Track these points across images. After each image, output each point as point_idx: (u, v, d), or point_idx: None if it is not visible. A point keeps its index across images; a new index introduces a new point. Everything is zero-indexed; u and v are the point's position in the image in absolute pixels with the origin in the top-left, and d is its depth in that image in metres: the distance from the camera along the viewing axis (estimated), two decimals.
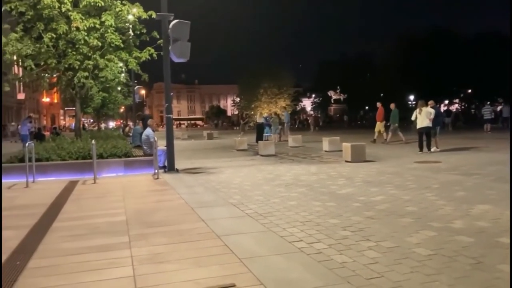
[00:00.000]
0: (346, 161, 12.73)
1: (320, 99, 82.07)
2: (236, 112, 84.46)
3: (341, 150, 14.02)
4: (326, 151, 16.74)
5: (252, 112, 53.69)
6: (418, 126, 14.87)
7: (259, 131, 23.70)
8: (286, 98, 54.89)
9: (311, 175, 10.29)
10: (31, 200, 7.88)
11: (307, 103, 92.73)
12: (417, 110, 15.10)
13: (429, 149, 14.79)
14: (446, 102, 61.83)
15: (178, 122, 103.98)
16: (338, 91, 67.06)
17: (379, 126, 20.12)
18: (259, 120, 25.40)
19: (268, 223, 5.63)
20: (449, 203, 6.53)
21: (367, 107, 73.87)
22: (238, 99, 75.81)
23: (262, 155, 15.83)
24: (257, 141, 20.41)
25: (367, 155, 13.11)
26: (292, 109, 48.31)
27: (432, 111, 14.95)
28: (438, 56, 52.65)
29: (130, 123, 35.79)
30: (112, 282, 3.63)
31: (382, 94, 62.92)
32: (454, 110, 53.28)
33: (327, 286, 3.45)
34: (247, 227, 5.37)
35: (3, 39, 12.67)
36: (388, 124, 20.08)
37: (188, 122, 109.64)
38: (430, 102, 15.57)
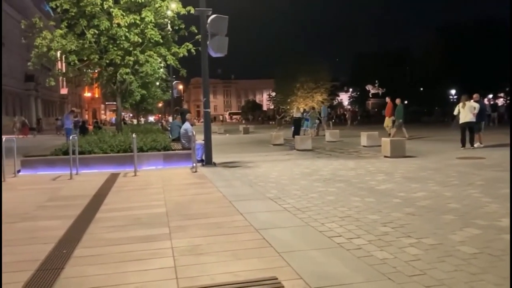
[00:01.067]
0: (385, 156, 12.50)
1: (358, 93, 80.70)
2: (272, 107, 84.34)
3: (379, 145, 13.77)
4: (364, 146, 16.49)
5: (288, 107, 53.54)
6: (461, 120, 14.39)
7: (296, 125, 23.57)
8: (323, 93, 54.29)
9: (349, 170, 10.16)
10: (75, 191, 8.15)
11: (344, 98, 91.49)
12: (460, 104, 14.61)
13: (472, 144, 14.30)
14: (490, 96, 59.48)
15: (230, 115, 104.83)
16: (376, 85, 65.72)
17: (387, 121, 20.30)
18: (296, 114, 25.25)
19: (306, 217, 5.60)
20: (494, 201, 6.30)
21: (406, 102, 72.13)
22: (274, 94, 75.68)
23: (298, 150, 15.76)
24: (293, 136, 20.31)
25: (407, 151, 12.81)
26: (329, 104, 47.67)
27: (477, 105, 14.42)
28: (481, 48, 50.64)
29: (169, 118, 36.42)
30: (154, 272, 3.71)
31: (421, 88, 61.32)
32: (500, 104, 51.15)
33: (368, 282, 3.41)
34: (285, 221, 5.36)
35: (49, 36, 13.14)
36: (394, 119, 19.98)
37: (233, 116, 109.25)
38: (475, 96, 15.01)
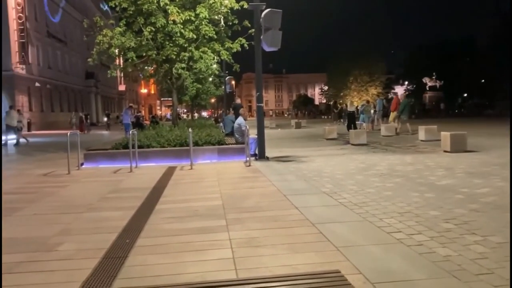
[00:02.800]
0: (445, 151, 12.01)
1: (414, 86, 78.01)
2: (324, 101, 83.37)
3: (438, 140, 13.25)
4: (422, 140, 15.92)
5: (341, 101, 52.72)
6: None
7: (350, 119, 23.18)
8: (377, 86, 53.13)
9: (407, 165, 9.86)
10: (135, 183, 8.46)
11: (399, 91, 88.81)
12: None
13: None
14: None
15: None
16: (433, 77, 63.20)
17: (392, 116, 20.66)
18: (350, 108, 24.84)
19: (364, 213, 5.50)
20: None
21: (465, 94, 68.88)
22: (326, 88, 74.78)
23: (353, 144, 15.48)
24: (348, 130, 19.99)
25: (468, 145, 12.25)
26: (384, 97, 46.45)
27: None
28: None
29: (221, 111, 36.90)
30: (213, 263, 3.78)
31: (483, 80, 58.23)
32: None
33: (431, 279, 3.29)
34: (342, 216, 5.29)
35: (109, 34, 13.69)
36: (398, 114, 20.27)
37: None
38: None
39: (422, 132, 16.32)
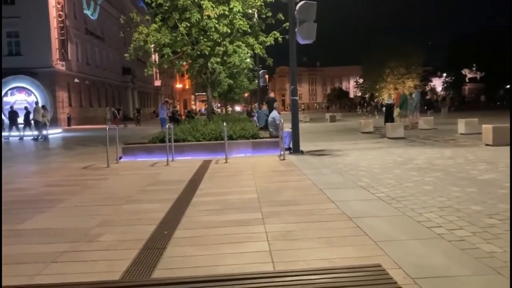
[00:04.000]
0: (487, 145, 11.62)
1: (453, 78, 75.67)
2: (359, 94, 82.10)
3: (479, 133, 12.83)
4: (461, 133, 15.45)
5: (377, 93, 51.78)
6: None
7: (388, 112, 22.70)
8: (414, 78, 51.84)
9: (447, 159, 9.59)
10: (172, 176, 8.60)
11: (437, 83, 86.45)
12: None
13: None
14: None
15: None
16: (474, 68, 61.11)
17: (396, 112, 20.70)
18: (388, 101, 24.33)
19: (402, 207, 5.38)
20: None
21: (508, 86, 66.22)
22: (361, 80, 73.61)
23: (390, 138, 15.19)
24: (385, 123, 19.61)
25: None
26: (421, 90, 45.21)
27: None
28: None
29: (253, 105, 36.91)
30: (250, 255, 3.79)
31: None
32: None
33: (475, 275, 3.19)
34: (380, 210, 5.19)
35: (145, 30, 13.90)
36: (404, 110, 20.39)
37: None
38: None
39: (461, 125, 15.83)
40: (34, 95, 29.93)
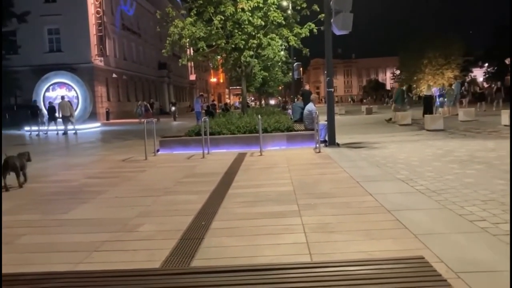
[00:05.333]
0: None
1: (495, 68, 72.70)
2: (396, 86, 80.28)
3: None
4: (505, 125, 14.87)
5: (415, 85, 50.43)
6: None
7: (427, 104, 22.10)
8: (454, 69, 50.14)
9: (489, 151, 9.26)
10: (208, 169, 8.69)
11: (478, 73, 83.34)
12: None
13: None
14: None
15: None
16: None
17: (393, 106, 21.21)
18: (427, 92, 23.69)
19: (443, 200, 5.24)
20: None
21: None
22: (398, 72, 71.93)
23: (429, 130, 14.81)
24: (423, 115, 19.13)
25: None
26: (462, 80, 43.69)
27: None
28: None
29: (286, 99, 36.67)
30: (287, 247, 3.79)
31: None
32: None
33: None
34: (419, 203, 5.08)
35: (181, 24, 14.04)
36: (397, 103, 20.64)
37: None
38: None
39: (505, 116, 15.23)
40: (74, 90, 30.83)
